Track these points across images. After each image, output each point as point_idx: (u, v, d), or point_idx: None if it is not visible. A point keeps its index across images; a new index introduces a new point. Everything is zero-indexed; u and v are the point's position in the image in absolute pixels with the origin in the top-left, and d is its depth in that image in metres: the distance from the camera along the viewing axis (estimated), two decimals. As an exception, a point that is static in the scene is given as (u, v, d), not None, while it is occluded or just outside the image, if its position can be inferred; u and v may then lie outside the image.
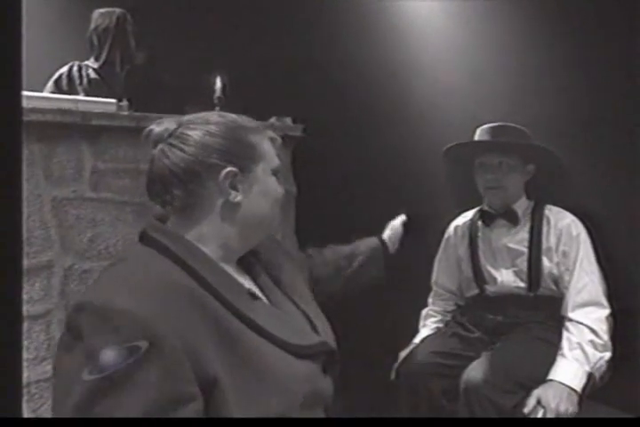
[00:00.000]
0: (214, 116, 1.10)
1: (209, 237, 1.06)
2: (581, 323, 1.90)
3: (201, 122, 1.07)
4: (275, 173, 1.14)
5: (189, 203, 1.05)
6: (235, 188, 1.06)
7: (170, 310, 0.90)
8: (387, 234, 1.82)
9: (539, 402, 1.77)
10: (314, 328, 1.15)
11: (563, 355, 1.87)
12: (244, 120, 1.12)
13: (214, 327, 0.94)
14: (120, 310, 0.87)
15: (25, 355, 1.98)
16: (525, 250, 2.08)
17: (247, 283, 1.12)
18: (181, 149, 1.03)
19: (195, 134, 1.04)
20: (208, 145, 1.04)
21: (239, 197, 1.06)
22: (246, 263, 1.18)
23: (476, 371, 1.87)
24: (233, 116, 1.12)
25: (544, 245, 2.05)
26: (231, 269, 1.09)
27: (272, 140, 1.16)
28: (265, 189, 1.11)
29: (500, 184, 2.08)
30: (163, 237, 1.04)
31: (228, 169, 1.04)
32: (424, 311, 2.34)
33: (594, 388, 1.86)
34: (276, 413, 0.95)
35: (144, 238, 1.06)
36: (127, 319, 0.86)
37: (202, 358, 0.90)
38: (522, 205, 2.13)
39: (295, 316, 1.15)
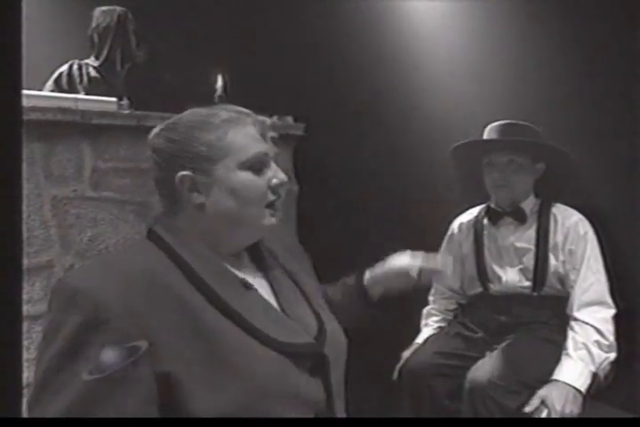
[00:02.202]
0: (185, 115, 1.12)
1: (192, 235, 1.08)
2: (587, 323, 1.89)
3: (165, 126, 1.11)
4: (249, 165, 1.07)
5: (167, 205, 1.11)
6: (195, 190, 1.06)
7: (135, 297, 0.92)
8: (372, 275, 1.42)
9: (543, 402, 1.77)
10: (321, 331, 1.11)
11: (568, 355, 1.86)
12: (216, 113, 1.10)
13: (188, 319, 0.94)
14: (83, 289, 0.91)
15: (25, 355, 1.97)
16: (532, 248, 2.07)
17: (250, 275, 1.11)
18: (150, 157, 1.10)
19: (156, 142, 1.09)
20: (162, 151, 1.08)
21: (201, 199, 1.06)
22: (259, 258, 1.17)
23: (481, 371, 1.87)
24: (204, 110, 1.11)
25: (551, 243, 2.04)
26: (226, 261, 1.09)
27: (256, 123, 1.11)
28: (229, 186, 1.06)
29: (508, 183, 2.07)
30: (161, 229, 1.07)
31: (180, 174, 1.05)
32: (425, 310, 2.33)
33: (598, 388, 1.86)
34: (236, 401, 0.93)
35: (149, 232, 1.09)
36: (86, 298, 0.89)
37: (157, 349, 0.90)
38: (529, 204, 2.12)
39: (303, 315, 1.12)
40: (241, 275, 1.08)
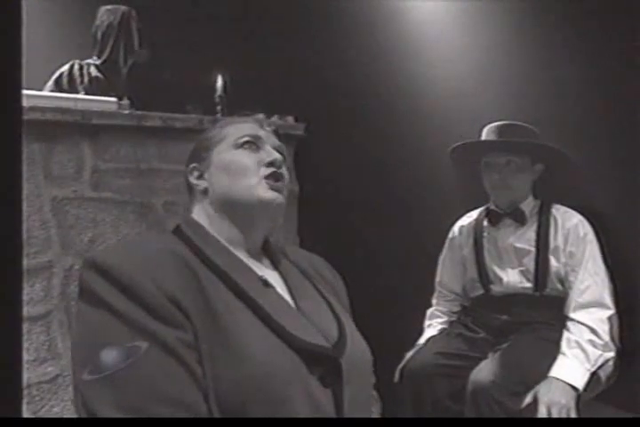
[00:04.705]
0: None
1: (208, 228, 1.12)
2: (582, 323, 1.89)
3: None
4: (241, 143, 1.14)
5: (188, 202, 1.18)
6: (201, 177, 1.16)
7: (166, 275, 0.95)
8: None
9: (536, 398, 1.77)
10: (340, 339, 1.06)
11: (562, 353, 1.86)
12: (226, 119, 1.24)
13: (209, 307, 0.95)
14: (110, 265, 0.94)
15: (25, 356, 1.97)
16: (533, 249, 2.07)
17: (269, 275, 1.11)
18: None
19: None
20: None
21: (204, 184, 1.15)
22: (278, 262, 1.17)
23: (483, 372, 1.86)
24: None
25: (551, 245, 2.04)
26: (244, 256, 1.11)
27: (256, 120, 1.22)
28: (223, 164, 1.14)
29: (507, 184, 2.07)
30: (184, 224, 1.13)
31: (190, 166, 1.18)
32: (429, 311, 2.33)
33: (600, 388, 1.86)
34: (243, 378, 0.91)
35: (175, 228, 1.14)
36: (121, 274, 0.93)
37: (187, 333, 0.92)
38: (529, 205, 2.12)
39: (322, 319, 1.09)
40: (260, 273, 1.09)
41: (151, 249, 1.02)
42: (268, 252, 1.18)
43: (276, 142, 1.19)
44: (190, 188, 1.17)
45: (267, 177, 1.12)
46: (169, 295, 0.91)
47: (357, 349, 1.10)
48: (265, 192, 1.10)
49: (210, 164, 1.15)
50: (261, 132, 1.17)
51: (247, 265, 1.08)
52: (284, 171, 1.16)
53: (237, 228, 1.12)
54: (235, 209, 1.11)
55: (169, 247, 1.02)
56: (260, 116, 1.25)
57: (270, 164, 1.13)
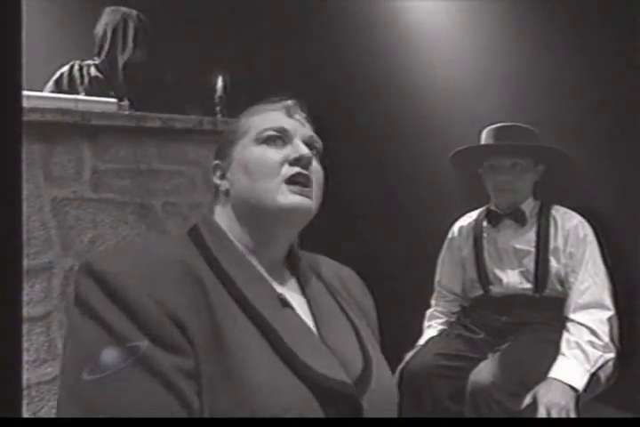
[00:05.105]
0: None
1: (228, 233, 0.99)
2: (581, 324, 1.90)
3: None
4: (263, 139, 0.99)
5: (211, 202, 1.06)
6: (223, 177, 1.02)
7: (164, 286, 0.84)
8: None
9: (535, 399, 1.77)
10: (365, 374, 0.92)
11: (562, 354, 1.87)
12: (253, 106, 1.06)
13: (213, 323, 0.84)
14: (106, 274, 0.83)
15: (25, 357, 1.97)
16: (533, 250, 2.07)
17: (290, 293, 0.98)
18: None
19: None
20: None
21: (226, 185, 1.00)
22: (301, 272, 1.05)
23: (483, 373, 1.86)
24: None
25: (551, 246, 2.05)
26: (264, 268, 0.98)
27: (283, 107, 1.03)
28: (243, 162, 0.98)
29: (513, 185, 2.08)
30: (203, 225, 1.00)
31: (213, 164, 1.04)
32: (428, 312, 2.33)
33: (600, 389, 1.86)
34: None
35: (191, 228, 1.01)
36: (116, 283, 0.82)
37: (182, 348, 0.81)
38: (529, 206, 2.13)
39: (346, 349, 0.94)
40: (279, 289, 0.96)
41: (156, 257, 0.89)
42: (292, 263, 1.05)
43: (307, 133, 1.03)
44: (214, 187, 1.04)
45: (289, 178, 0.96)
46: (169, 313, 0.81)
47: (383, 387, 0.95)
48: (286, 197, 0.94)
49: (231, 161, 1.01)
50: (288, 123, 1.01)
51: (265, 280, 0.95)
52: (313, 168, 0.99)
53: (259, 236, 0.98)
54: (254, 216, 0.97)
55: (177, 255, 0.89)
56: (289, 102, 1.05)
57: (295, 161, 0.97)
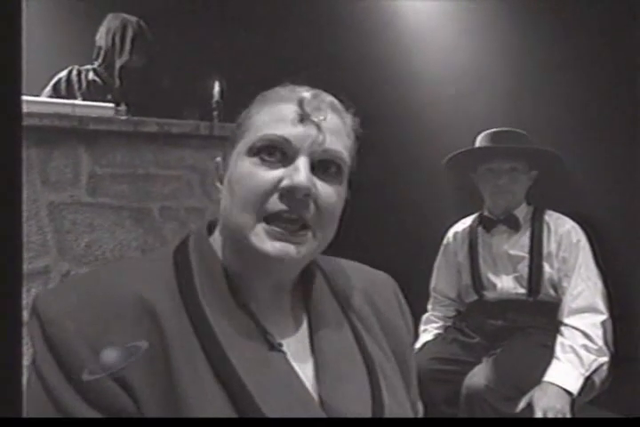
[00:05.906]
0: None
1: (220, 254, 0.80)
2: (575, 328, 1.91)
3: None
4: (256, 150, 0.73)
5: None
6: (220, 180, 0.81)
7: (106, 336, 0.70)
8: None
9: (530, 402, 1.77)
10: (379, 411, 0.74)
11: (557, 358, 1.88)
12: (273, 89, 0.83)
13: (165, 365, 0.70)
14: (46, 317, 0.71)
15: (25, 361, 1.97)
16: (527, 256, 2.08)
17: (290, 328, 0.79)
18: None
19: None
20: None
21: (220, 193, 0.79)
22: (313, 295, 0.82)
23: (478, 377, 1.87)
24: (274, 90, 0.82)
25: (545, 251, 2.06)
26: (258, 300, 0.78)
27: (302, 101, 0.76)
28: (231, 173, 0.76)
29: (510, 189, 2.10)
30: (193, 239, 0.81)
31: (215, 160, 0.83)
32: (424, 316, 2.34)
33: (594, 393, 1.87)
34: None
35: (182, 242, 0.83)
36: (47, 330, 0.70)
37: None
38: (522, 211, 2.14)
39: (350, 399, 0.75)
40: (272, 327, 0.76)
41: (107, 295, 0.72)
42: (305, 286, 0.83)
43: (321, 146, 0.73)
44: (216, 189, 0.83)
45: (272, 215, 0.72)
46: (111, 368, 0.68)
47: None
48: (261, 242, 0.72)
49: (227, 166, 0.78)
50: (294, 131, 0.73)
51: (250, 317, 0.75)
52: (323, 194, 0.73)
53: (247, 267, 0.77)
54: (236, 245, 0.76)
55: (134, 290, 0.72)
56: (306, 94, 0.78)
57: (286, 192, 0.71)
